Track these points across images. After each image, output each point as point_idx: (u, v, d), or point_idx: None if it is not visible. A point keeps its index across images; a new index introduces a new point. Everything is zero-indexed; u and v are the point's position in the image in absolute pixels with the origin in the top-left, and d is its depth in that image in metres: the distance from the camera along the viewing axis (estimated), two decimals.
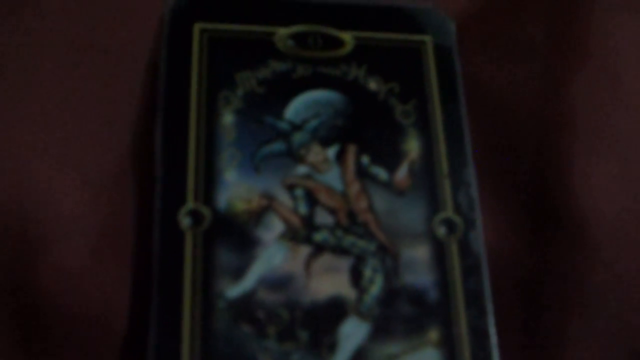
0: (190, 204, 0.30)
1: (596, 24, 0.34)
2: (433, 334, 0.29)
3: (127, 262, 0.30)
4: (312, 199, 0.30)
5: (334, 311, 0.29)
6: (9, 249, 0.30)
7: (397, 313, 0.29)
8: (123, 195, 0.31)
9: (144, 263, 0.30)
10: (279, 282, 0.29)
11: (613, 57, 0.34)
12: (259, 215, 0.30)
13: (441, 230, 0.31)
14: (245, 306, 0.29)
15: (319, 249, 0.30)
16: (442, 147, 0.32)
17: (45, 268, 0.29)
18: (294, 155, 0.31)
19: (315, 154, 0.31)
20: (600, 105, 0.33)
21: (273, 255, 0.29)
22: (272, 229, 0.30)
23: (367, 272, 0.30)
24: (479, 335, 0.29)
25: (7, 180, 0.30)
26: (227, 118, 0.31)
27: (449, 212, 0.31)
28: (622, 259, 0.31)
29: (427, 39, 0.34)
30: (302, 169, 0.31)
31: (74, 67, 0.32)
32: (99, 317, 0.29)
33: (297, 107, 0.32)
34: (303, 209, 0.30)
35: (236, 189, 0.30)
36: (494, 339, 0.29)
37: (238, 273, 0.29)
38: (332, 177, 0.31)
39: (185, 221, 0.29)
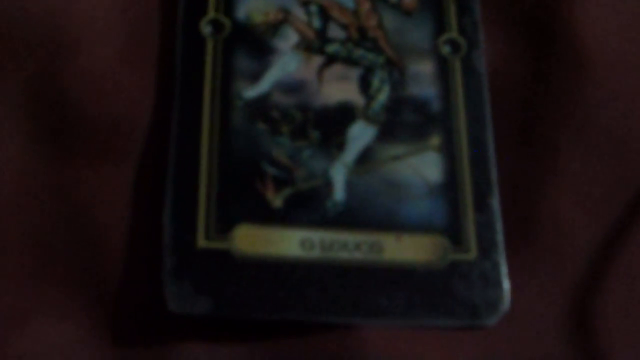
0: (211, 13, 0.32)
1: None
2: (435, 140, 0.31)
3: (151, 67, 0.32)
4: (325, 15, 0.32)
5: (343, 114, 0.31)
6: (42, 52, 0.31)
7: (402, 119, 0.31)
8: (148, 4, 0.33)
9: (168, 68, 0.32)
10: (292, 87, 0.31)
11: None
12: (275, 27, 0.32)
13: (445, 49, 0.33)
14: (260, 106, 0.31)
15: (330, 59, 0.32)
16: None
17: (74, 70, 0.31)
18: None
19: None
20: None
21: (288, 63, 0.31)
22: (288, 40, 0.32)
23: (375, 82, 0.32)
24: (477, 144, 0.31)
25: None
26: None
27: (453, 33, 0.33)
28: (614, 78, 0.33)
29: None
30: None
31: None
32: (124, 119, 0.31)
33: None
34: (317, 22, 0.32)
35: (254, 3, 0.32)
36: (491, 148, 0.31)
37: (255, 77, 0.31)
38: None
39: (206, 29, 0.31)
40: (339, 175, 0.30)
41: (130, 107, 0.31)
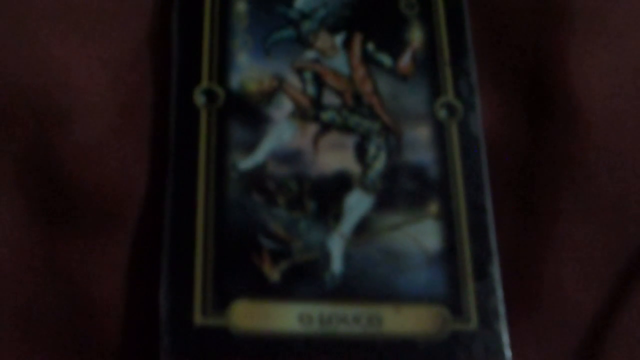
0: (205, 83, 0.31)
1: None
2: (433, 207, 0.31)
3: (144, 138, 0.32)
4: (320, 82, 0.32)
5: (340, 184, 0.31)
6: (34, 125, 0.31)
7: (399, 187, 0.31)
8: (141, 75, 0.33)
9: (161, 138, 0.31)
10: (288, 157, 0.31)
11: None
12: (270, 95, 0.32)
13: (442, 113, 0.32)
14: (256, 177, 0.30)
15: (326, 127, 0.32)
16: (443, 37, 0.33)
17: (67, 142, 0.31)
18: (303, 41, 0.33)
19: (324, 40, 0.33)
20: (596, 1, 0.34)
21: (283, 132, 0.31)
22: (282, 108, 0.31)
23: (372, 149, 0.31)
24: (476, 210, 0.31)
25: (31, 61, 0.32)
26: (240, 6, 0.33)
27: (449, 97, 0.33)
28: (613, 142, 0.33)
29: None
30: (310, 54, 0.32)
31: None
32: (118, 188, 0.31)
33: None
34: (311, 90, 0.32)
35: (248, 71, 0.32)
36: (490, 214, 0.31)
37: (250, 147, 0.31)
38: (339, 62, 0.32)
39: (200, 99, 0.31)
40: (336, 246, 0.30)
41: (124, 179, 0.31)
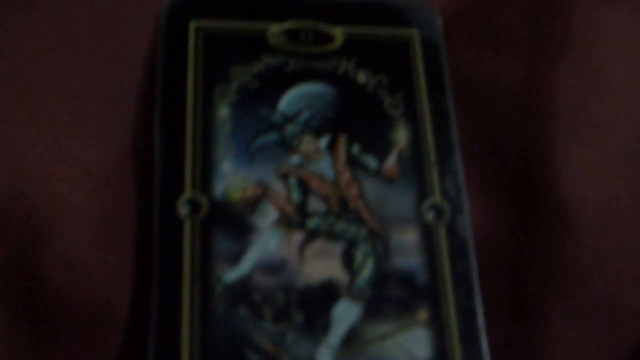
0: (188, 192, 0.31)
1: (578, 17, 0.36)
2: (422, 314, 0.30)
3: (128, 250, 0.31)
4: (305, 187, 0.32)
5: (327, 293, 0.30)
6: (14, 238, 0.31)
7: (388, 295, 0.30)
8: (123, 185, 0.32)
9: (145, 250, 0.31)
10: (274, 267, 0.30)
11: (594, 49, 0.35)
12: (254, 203, 0.31)
13: (429, 216, 0.32)
14: (242, 290, 0.30)
15: (312, 234, 0.31)
16: (429, 137, 0.33)
17: (48, 257, 0.30)
18: (287, 146, 0.32)
19: (308, 144, 0.32)
20: (581, 96, 0.34)
21: (268, 241, 0.31)
22: (267, 216, 0.31)
23: (359, 256, 0.31)
24: (466, 316, 0.31)
25: (11, 172, 0.31)
26: (223, 111, 0.32)
27: (436, 198, 0.32)
28: (603, 241, 0.32)
29: (415, 32, 0.35)
30: (295, 159, 0.32)
31: (74, 63, 0.33)
32: (102, 303, 0.30)
33: (289, 99, 0.33)
34: (296, 196, 0.32)
35: (232, 179, 0.31)
36: (481, 319, 0.31)
37: (235, 258, 0.30)
38: (324, 166, 0.32)
39: (183, 209, 0.31)
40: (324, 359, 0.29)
41: (107, 293, 0.31)
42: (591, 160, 0.33)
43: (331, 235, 0.31)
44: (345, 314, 0.30)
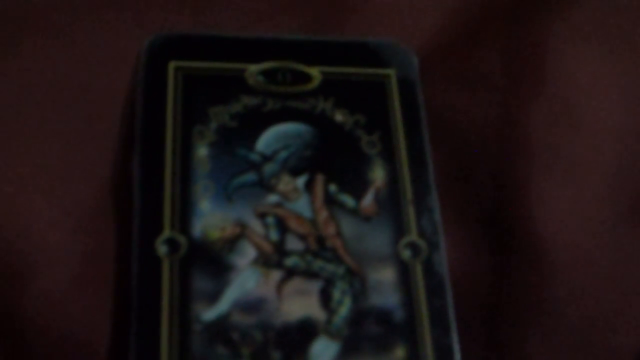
0: (167, 232, 0.31)
1: (552, 55, 0.36)
2: (400, 352, 0.31)
3: (107, 288, 0.31)
4: (282, 226, 0.32)
5: (304, 332, 0.30)
6: None
7: (365, 333, 0.31)
8: (103, 224, 0.32)
9: (124, 289, 0.31)
10: (252, 305, 0.30)
11: (567, 86, 0.36)
12: (232, 243, 0.31)
13: (406, 254, 0.32)
14: (220, 328, 0.30)
15: (289, 273, 0.31)
16: (406, 175, 0.33)
17: (29, 295, 0.31)
18: (265, 185, 0.33)
19: (285, 183, 0.33)
20: (554, 133, 0.35)
21: (246, 280, 0.31)
22: (245, 255, 0.31)
23: (336, 294, 0.31)
24: (443, 352, 0.31)
25: None
26: (201, 151, 0.33)
27: (413, 236, 0.33)
28: (578, 277, 0.33)
29: (391, 72, 0.35)
30: (272, 198, 0.32)
31: (54, 102, 0.34)
32: (82, 342, 0.30)
33: (267, 139, 0.33)
34: (274, 235, 0.32)
35: (210, 218, 0.32)
36: (458, 356, 0.31)
37: (213, 297, 0.30)
38: (301, 205, 0.32)
39: (162, 249, 0.31)
40: None
41: (87, 331, 0.31)
42: (565, 198, 0.34)
43: (309, 273, 0.31)
44: (323, 352, 0.30)
